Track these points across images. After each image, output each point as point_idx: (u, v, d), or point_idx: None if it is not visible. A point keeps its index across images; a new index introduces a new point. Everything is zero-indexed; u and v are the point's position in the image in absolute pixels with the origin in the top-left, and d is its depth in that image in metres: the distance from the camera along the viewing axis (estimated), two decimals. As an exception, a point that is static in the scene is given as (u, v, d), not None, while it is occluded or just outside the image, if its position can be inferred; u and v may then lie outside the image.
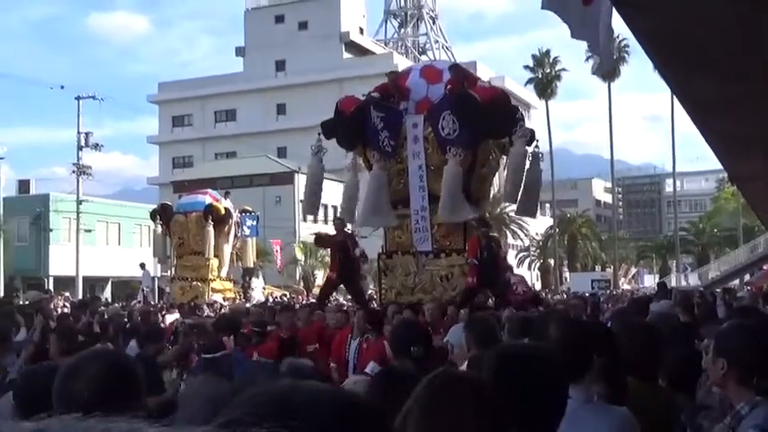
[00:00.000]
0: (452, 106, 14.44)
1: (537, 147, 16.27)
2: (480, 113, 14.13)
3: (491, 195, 18.48)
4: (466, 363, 5.00)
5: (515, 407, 2.28)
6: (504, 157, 15.92)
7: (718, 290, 29.81)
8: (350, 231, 17.54)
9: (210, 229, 25.95)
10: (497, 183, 17.98)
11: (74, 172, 44.76)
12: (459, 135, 14.27)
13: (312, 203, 17.06)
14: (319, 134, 16.03)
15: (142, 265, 30.20)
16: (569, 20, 5.78)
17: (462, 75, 15.79)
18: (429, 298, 13.96)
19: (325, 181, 16.85)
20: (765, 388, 2.91)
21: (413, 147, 14.91)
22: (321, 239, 18.46)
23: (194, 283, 26.25)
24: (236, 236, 28.46)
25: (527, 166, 15.71)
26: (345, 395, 1.18)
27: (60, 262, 45.52)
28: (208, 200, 27.36)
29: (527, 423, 2.30)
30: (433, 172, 14.80)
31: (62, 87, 46.60)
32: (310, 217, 55.71)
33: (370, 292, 19.43)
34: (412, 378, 3.35)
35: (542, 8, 5.52)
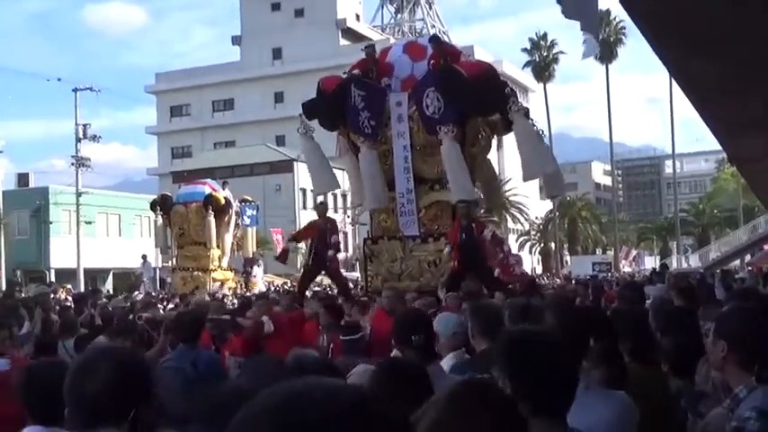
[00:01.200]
0: (437, 83, 13.67)
1: (534, 126, 15.27)
2: (466, 89, 13.31)
3: (496, 179, 17.39)
4: (451, 353, 4.97)
5: (527, 391, 2.30)
6: (496, 138, 15.24)
7: (717, 271, 29.81)
8: (332, 218, 16.58)
9: (211, 219, 25.99)
10: (497, 166, 17.06)
11: (73, 164, 44.74)
12: (445, 113, 13.48)
13: (323, 179, 15.97)
14: (301, 115, 15.34)
15: (144, 257, 30.24)
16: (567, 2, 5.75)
17: (443, 48, 15.05)
18: (416, 285, 13.34)
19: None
20: (766, 377, 2.91)
21: (397, 126, 14.19)
22: (299, 235, 17.38)
23: (195, 273, 26.30)
24: (236, 225, 28.49)
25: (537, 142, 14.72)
26: (361, 392, 1.18)
27: (61, 254, 45.55)
28: (207, 190, 27.39)
29: (538, 407, 2.32)
30: (418, 152, 14.14)
31: (59, 80, 46.52)
32: (310, 205, 55.70)
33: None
34: (416, 367, 3.38)
35: None
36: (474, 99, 13.44)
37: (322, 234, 15.35)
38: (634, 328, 4.21)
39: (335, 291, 17.35)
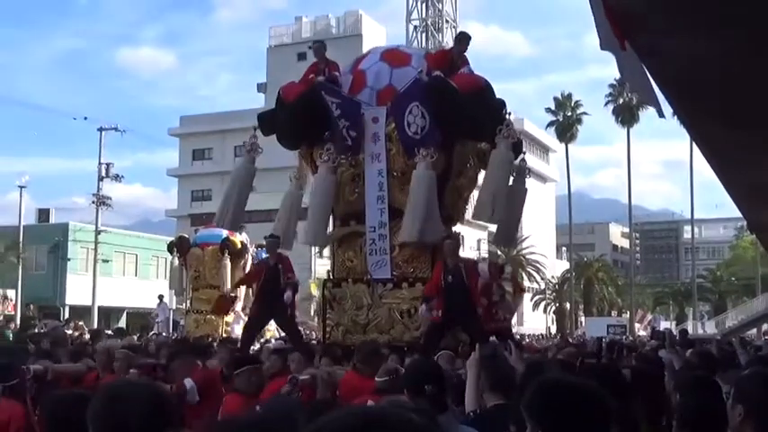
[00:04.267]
0: (423, 96, 11.21)
1: (524, 160, 13.17)
2: (457, 107, 11.05)
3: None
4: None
5: None
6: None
7: (737, 337, 29.58)
8: (285, 254, 13.73)
9: (227, 262, 25.99)
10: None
11: (93, 202, 45.09)
12: (430, 133, 11.16)
13: (229, 213, 13.11)
14: (255, 129, 12.85)
15: (160, 297, 30.32)
16: (620, 62, 5.82)
17: (462, 50, 12.17)
18: (386, 339, 11.12)
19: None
20: None
21: (372, 147, 11.71)
22: (242, 281, 15.02)
23: (209, 316, 26.23)
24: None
25: (509, 181, 12.45)
26: (432, 425, 1.19)
27: (77, 291, 45.64)
28: (224, 233, 27.44)
29: None
30: (396, 179, 11.71)
31: (85, 118, 47.14)
32: (327, 253, 55.71)
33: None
34: (426, 413, 3.37)
35: (601, 49, 5.54)
36: (465, 119, 11.23)
37: (272, 275, 12.45)
38: (649, 389, 4.18)
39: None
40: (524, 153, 13.38)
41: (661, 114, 6.62)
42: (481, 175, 12.50)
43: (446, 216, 11.93)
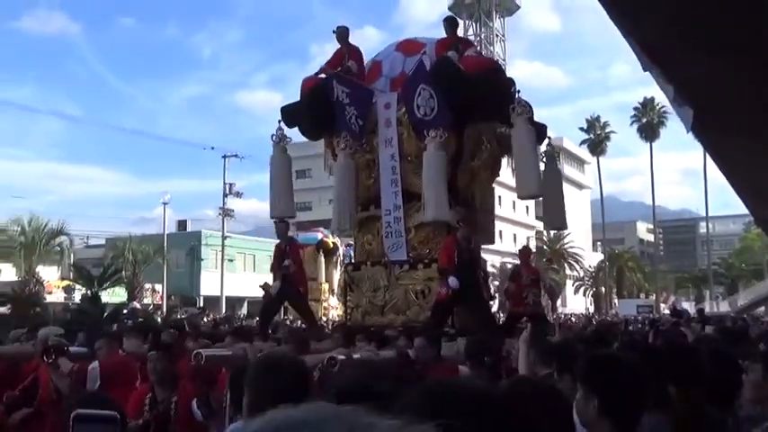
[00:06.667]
0: (430, 78, 9.54)
1: (550, 145, 11.17)
2: (464, 87, 9.32)
3: (493, 214, 11.66)
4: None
5: (615, 409, 2.30)
6: (506, 157, 10.66)
7: (745, 315, 28.63)
8: (294, 238, 12.10)
9: (322, 259, 26.39)
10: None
11: (220, 214, 46.03)
12: (439, 114, 9.35)
13: (279, 202, 11.43)
14: (280, 121, 10.96)
15: (264, 286, 30.92)
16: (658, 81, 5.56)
17: (455, 31, 10.63)
18: (402, 319, 9.44)
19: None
20: None
21: (385, 132, 9.99)
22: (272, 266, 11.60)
23: (309, 302, 26.55)
24: (342, 264, 28.79)
25: (541, 167, 10.35)
26: (500, 396, 1.12)
27: (208, 284, 46.63)
28: (319, 236, 27.88)
29: (622, 422, 2.31)
30: (409, 163, 9.88)
31: (212, 148, 48.05)
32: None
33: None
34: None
35: (644, 71, 5.25)
36: (473, 99, 9.39)
37: (283, 258, 10.75)
38: (680, 358, 3.95)
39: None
40: (550, 138, 11.37)
41: (688, 130, 6.27)
42: (504, 160, 10.72)
43: (462, 198, 9.98)
